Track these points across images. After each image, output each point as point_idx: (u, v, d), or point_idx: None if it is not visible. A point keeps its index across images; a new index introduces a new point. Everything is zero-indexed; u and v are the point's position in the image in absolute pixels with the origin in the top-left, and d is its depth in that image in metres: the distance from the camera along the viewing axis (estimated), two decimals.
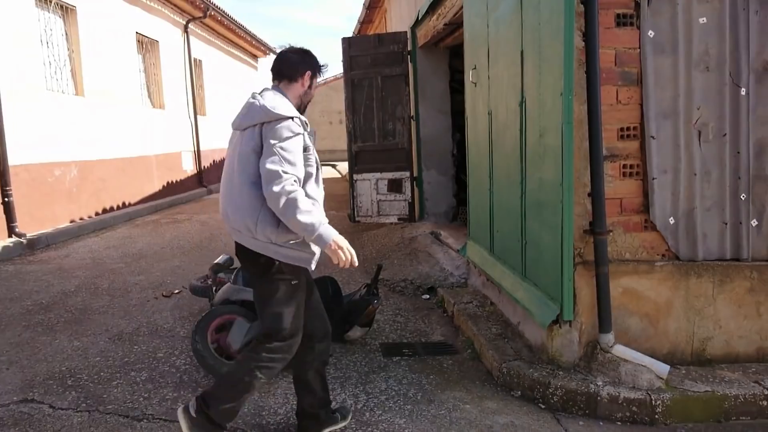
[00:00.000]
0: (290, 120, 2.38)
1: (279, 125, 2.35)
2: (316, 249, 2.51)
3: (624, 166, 3.32)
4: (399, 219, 7.99)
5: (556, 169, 3.22)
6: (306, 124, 2.49)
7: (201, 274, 5.69)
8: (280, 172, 2.28)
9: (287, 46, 2.71)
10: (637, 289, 3.33)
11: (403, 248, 6.65)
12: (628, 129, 3.30)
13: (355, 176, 8.14)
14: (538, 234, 3.54)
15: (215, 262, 4.49)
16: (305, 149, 2.44)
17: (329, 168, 23.08)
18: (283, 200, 2.26)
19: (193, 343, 3.35)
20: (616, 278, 3.28)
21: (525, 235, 3.74)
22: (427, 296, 5.14)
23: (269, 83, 2.70)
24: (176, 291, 5.44)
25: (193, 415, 2.47)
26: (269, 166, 2.29)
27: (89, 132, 9.77)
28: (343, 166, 21.67)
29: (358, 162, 8.12)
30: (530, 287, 3.63)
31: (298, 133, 2.39)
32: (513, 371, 3.35)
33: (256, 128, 2.40)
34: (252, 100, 2.48)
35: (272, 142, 2.33)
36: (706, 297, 3.35)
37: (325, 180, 2.74)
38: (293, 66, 2.62)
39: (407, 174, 7.86)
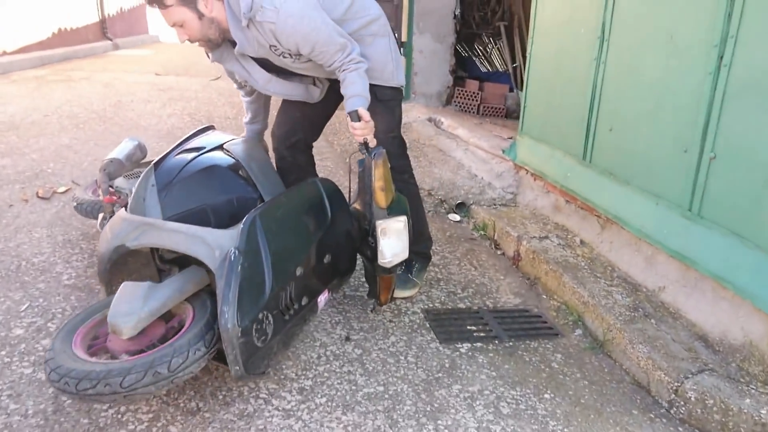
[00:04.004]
0: None
1: None
2: None
3: None
4: None
5: None
6: None
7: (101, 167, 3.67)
8: None
9: None
10: None
11: None
12: None
13: None
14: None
15: (108, 157, 2.54)
16: None
17: None
18: None
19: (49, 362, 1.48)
20: None
21: (714, 142, 2.08)
22: (458, 217, 3.46)
23: None
24: (61, 190, 3.40)
25: (409, 275, 2.32)
26: None
27: None
28: None
29: None
30: (724, 239, 2.02)
31: None
32: (708, 399, 1.81)
33: None
34: None
35: None
36: None
37: None
38: None
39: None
